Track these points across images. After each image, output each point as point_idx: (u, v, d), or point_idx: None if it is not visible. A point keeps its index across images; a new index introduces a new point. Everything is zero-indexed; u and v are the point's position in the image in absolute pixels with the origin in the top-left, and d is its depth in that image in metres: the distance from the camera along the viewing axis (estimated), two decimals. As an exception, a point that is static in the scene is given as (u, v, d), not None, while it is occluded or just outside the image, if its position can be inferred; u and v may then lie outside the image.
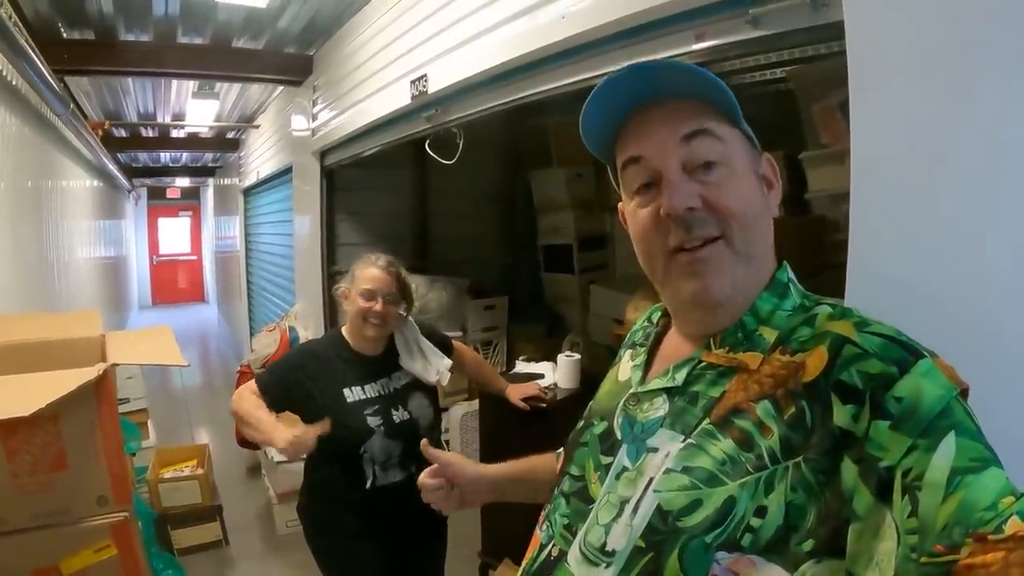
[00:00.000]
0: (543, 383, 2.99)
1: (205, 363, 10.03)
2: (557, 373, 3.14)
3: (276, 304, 6.89)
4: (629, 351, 1.12)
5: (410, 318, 2.39)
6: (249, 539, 4.31)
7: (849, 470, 0.71)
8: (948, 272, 1.11)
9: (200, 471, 4.19)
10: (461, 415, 4.81)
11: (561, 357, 3.13)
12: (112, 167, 7.81)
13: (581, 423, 1.10)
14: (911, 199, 1.15)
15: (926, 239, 1.14)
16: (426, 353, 2.35)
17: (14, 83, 3.45)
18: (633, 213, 0.94)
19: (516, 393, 2.72)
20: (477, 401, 3.64)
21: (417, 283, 4.74)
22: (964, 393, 0.72)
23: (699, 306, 0.91)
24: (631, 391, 0.99)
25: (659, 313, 1.11)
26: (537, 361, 3.38)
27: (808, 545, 0.72)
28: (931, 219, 1.13)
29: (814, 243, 2.65)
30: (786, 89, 3.02)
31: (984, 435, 0.68)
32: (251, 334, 7.85)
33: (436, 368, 2.34)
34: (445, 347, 2.49)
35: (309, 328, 5.15)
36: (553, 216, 5.22)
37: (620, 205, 0.99)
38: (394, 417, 2.19)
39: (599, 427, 1.02)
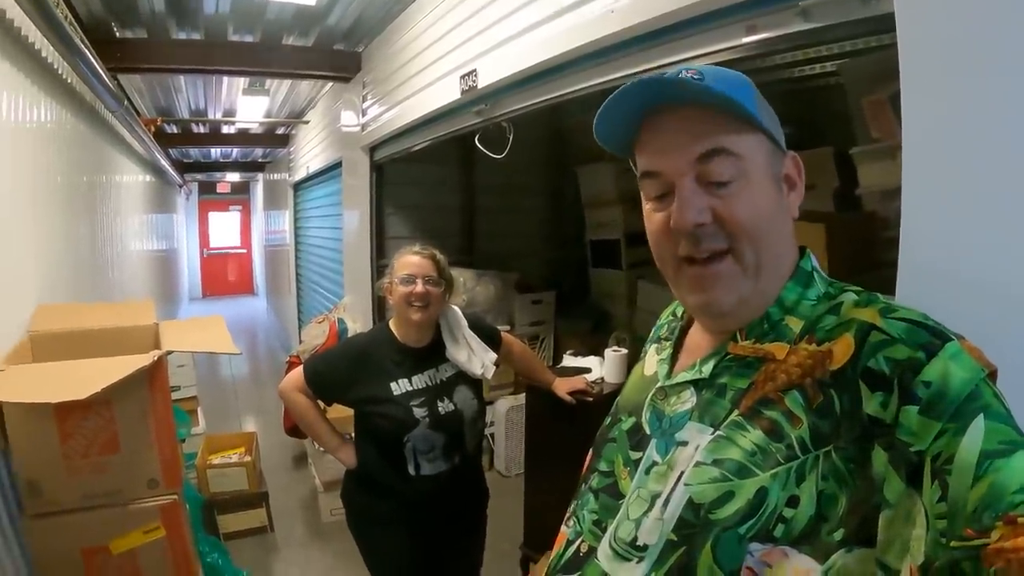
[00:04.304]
0: (590, 377, 2.97)
1: (253, 354, 10.19)
2: (604, 368, 3.12)
3: (325, 297, 6.97)
4: (655, 346, 1.12)
5: (456, 309, 2.40)
6: (294, 526, 4.36)
7: (879, 457, 0.71)
8: (1004, 269, 1.07)
9: (247, 458, 4.26)
10: (507, 408, 4.84)
11: (608, 352, 3.11)
12: (164, 162, 7.98)
13: (608, 419, 1.10)
14: (964, 194, 1.12)
15: (980, 235, 1.10)
16: (472, 346, 2.35)
17: (69, 81, 3.54)
18: (648, 215, 0.95)
19: (563, 387, 2.70)
20: (523, 395, 3.63)
21: (465, 276, 4.81)
22: (992, 375, 0.71)
23: (705, 316, 0.95)
24: (658, 385, 0.99)
25: (683, 307, 1.10)
26: (584, 356, 3.36)
27: (839, 534, 0.72)
28: (985, 215, 1.09)
29: (865, 240, 2.60)
30: (837, 83, 2.97)
31: (1014, 418, 0.68)
32: (300, 326, 7.95)
33: (481, 361, 2.34)
34: (493, 339, 2.49)
35: (358, 321, 5.19)
36: (601, 211, 5.19)
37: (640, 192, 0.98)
38: (439, 408, 2.19)
39: (627, 423, 1.02)
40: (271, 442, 5.45)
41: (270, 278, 13.45)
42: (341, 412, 2.34)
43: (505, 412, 4.85)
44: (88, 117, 4.28)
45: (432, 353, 2.29)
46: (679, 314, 1.12)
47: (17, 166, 2.68)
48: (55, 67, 3.25)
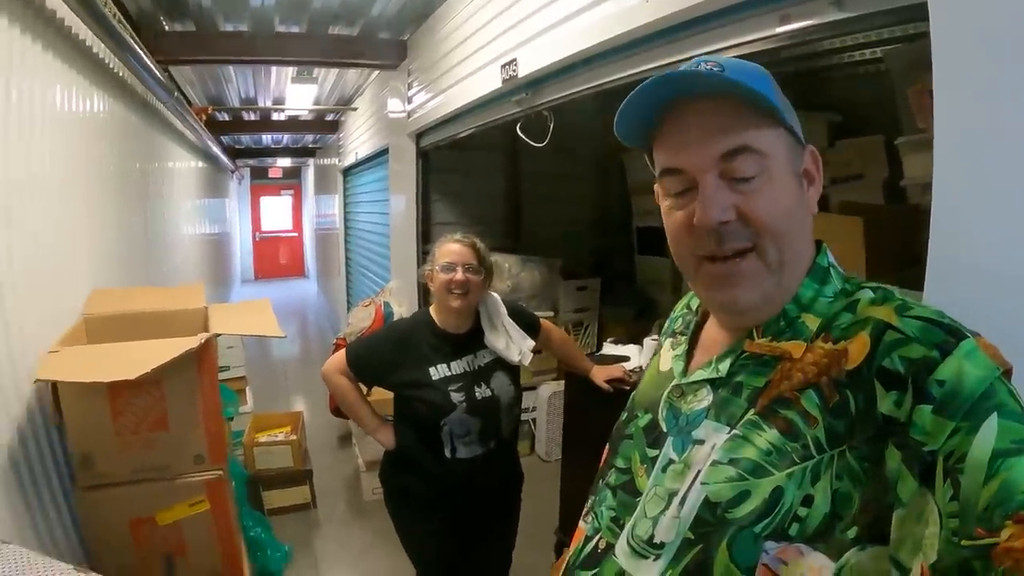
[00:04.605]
0: (628, 366, 2.97)
1: (304, 335, 10.37)
2: (643, 356, 3.12)
3: (372, 280, 7.06)
4: (669, 340, 1.11)
5: (496, 296, 2.43)
6: (336, 504, 4.47)
7: (893, 456, 0.71)
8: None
9: (293, 437, 4.36)
10: (549, 394, 4.85)
11: (647, 340, 3.11)
12: (216, 149, 8.15)
13: (625, 415, 1.10)
14: (997, 189, 1.10)
15: (1012, 231, 1.08)
16: (510, 333, 2.37)
17: (120, 74, 3.67)
18: (668, 212, 0.93)
19: (600, 375, 2.70)
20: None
21: (510, 263, 4.82)
22: (1008, 373, 0.70)
23: (727, 313, 0.93)
24: (674, 383, 0.98)
25: (699, 300, 1.09)
26: (624, 344, 3.36)
27: (852, 532, 0.72)
28: (1018, 211, 1.07)
29: (907, 234, 2.55)
30: (887, 69, 2.91)
31: None
32: (348, 308, 8.05)
33: (519, 348, 2.36)
34: (532, 327, 2.51)
35: (403, 304, 5.24)
36: (647, 198, 5.06)
37: (656, 187, 0.97)
38: (476, 394, 2.23)
39: (643, 419, 1.01)
40: (318, 422, 5.57)
41: (320, 261, 13.63)
42: (383, 395, 2.40)
43: (547, 398, 4.87)
44: (140, 108, 4.42)
45: (471, 339, 2.32)
46: (694, 307, 1.11)
47: (71, 156, 2.80)
48: (106, 62, 3.37)
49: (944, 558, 0.64)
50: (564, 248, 5.55)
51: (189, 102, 6.34)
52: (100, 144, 3.33)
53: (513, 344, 2.36)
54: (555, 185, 5.72)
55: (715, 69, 0.83)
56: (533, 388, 4.98)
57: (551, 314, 5.00)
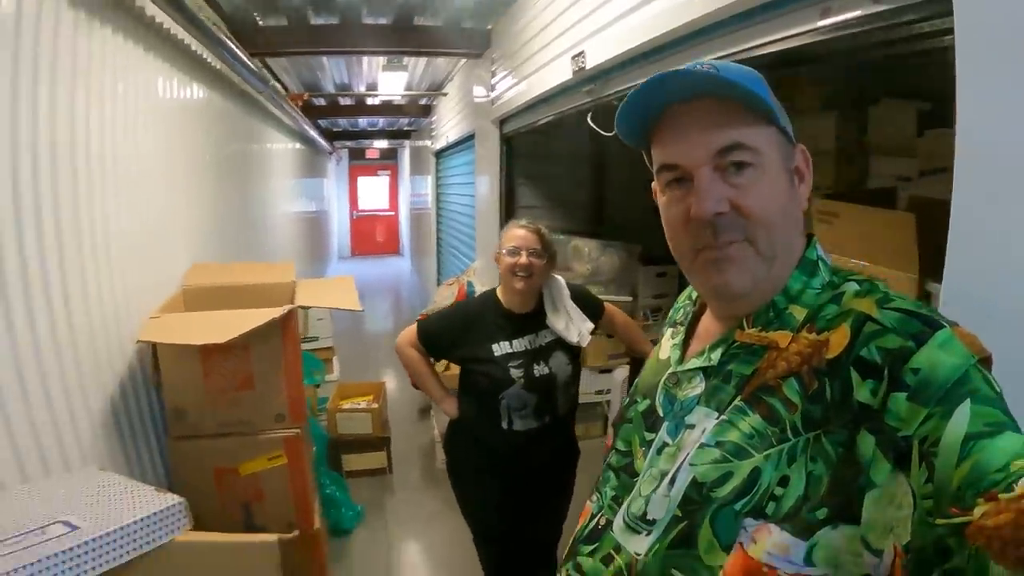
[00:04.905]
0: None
1: (396, 310, 10.66)
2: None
3: (461, 260, 7.24)
4: (670, 329, 1.15)
5: (560, 279, 2.52)
6: (410, 471, 4.69)
7: (866, 441, 0.73)
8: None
9: (375, 406, 4.58)
10: (623, 377, 4.85)
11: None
12: (312, 132, 8.41)
13: (627, 400, 1.14)
14: (1018, 183, 1.10)
15: None
16: (571, 315, 2.47)
17: (218, 68, 3.91)
18: (664, 207, 0.96)
19: None
20: (636, 364, 3.71)
21: (590, 247, 4.88)
22: (986, 361, 0.72)
23: (721, 298, 0.97)
24: (670, 370, 1.03)
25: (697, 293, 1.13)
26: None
27: (822, 513, 0.75)
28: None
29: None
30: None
31: (1004, 401, 0.69)
32: (438, 286, 8.26)
33: (578, 329, 2.45)
34: (594, 311, 2.58)
35: (485, 284, 5.34)
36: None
37: (653, 185, 1.00)
38: (535, 371, 2.35)
39: (642, 404, 1.06)
40: (402, 396, 5.82)
41: (414, 240, 13.88)
42: (456, 369, 2.57)
43: (621, 381, 4.82)
44: (237, 97, 4.69)
45: (533, 319, 2.43)
46: (694, 298, 1.14)
47: (172, 145, 3.07)
48: (204, 57, 3.63)
49: (918, 538, 0.66)
50: (646, 234, 5.49)
51: (286, 89, 6.59)
52: (199, 132, 3.59)
53: (573, 325, 2.45)
54: (636, 171, 5.63)
55: (711, 71, 0.86)
56: (608, 371, 5.01)
57: (629, 299, 5.00)
